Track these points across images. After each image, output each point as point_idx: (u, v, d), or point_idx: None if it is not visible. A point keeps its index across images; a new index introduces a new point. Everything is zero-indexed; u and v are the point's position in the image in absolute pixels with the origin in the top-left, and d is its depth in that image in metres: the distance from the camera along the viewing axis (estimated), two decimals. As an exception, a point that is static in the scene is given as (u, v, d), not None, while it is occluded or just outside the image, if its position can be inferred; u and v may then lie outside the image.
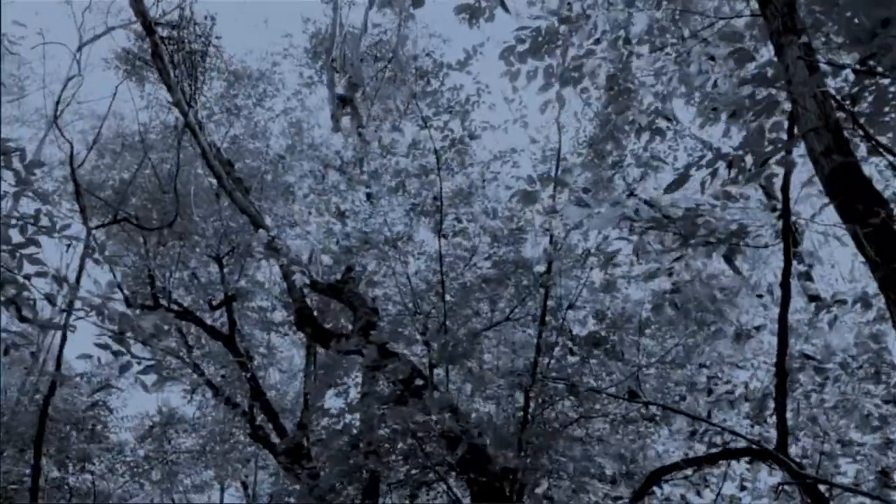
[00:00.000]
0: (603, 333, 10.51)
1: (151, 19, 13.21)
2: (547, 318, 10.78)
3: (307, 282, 11.65)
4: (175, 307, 19.18)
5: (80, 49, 13.33)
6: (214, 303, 19.45)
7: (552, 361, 10.50)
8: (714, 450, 8.37)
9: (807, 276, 10.45)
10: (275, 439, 17.58)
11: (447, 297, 10.75)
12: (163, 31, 14.12)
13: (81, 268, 11.19)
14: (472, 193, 10.23)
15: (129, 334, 5.92)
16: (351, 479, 8.80)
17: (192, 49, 13.79)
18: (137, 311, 18.01)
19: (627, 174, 10.24)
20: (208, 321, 19.57)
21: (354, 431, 9.29)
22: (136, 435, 17.98)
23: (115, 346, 5.88)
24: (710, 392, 8.82)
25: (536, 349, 10.62)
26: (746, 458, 8.34)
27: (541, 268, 10.80)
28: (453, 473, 10.42)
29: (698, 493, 9.09)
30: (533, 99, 10.16)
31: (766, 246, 7.17)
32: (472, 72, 9.78)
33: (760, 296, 8.45)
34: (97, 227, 12.43)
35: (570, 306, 10.78)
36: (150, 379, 6.07)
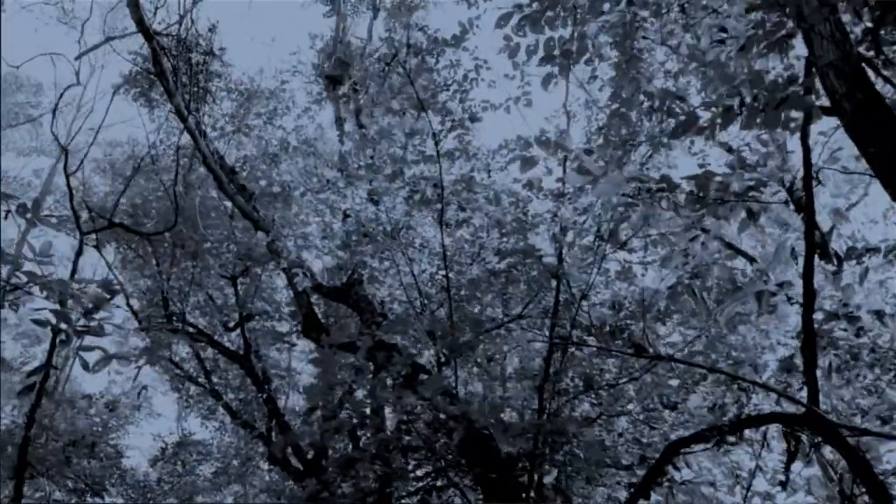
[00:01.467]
0: (619, 324, 9.82)
1: (150, 26, 12.86)
2: (560, 311, 10.10)
3: (309, 284, 11.07)
4: (190, 329, 18.72)
5: (78, 58, 12.97)
6: (230, 324, 19.03)
7: (567, 356, 9.80)
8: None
9: (836, 273, 9.70)
10: (295, 463, 16.94)
11: (454, 294, 10.12)
12: (165, 41, 13.77)
13: (73, 271, 10.66)
14: (474, 178, 9.59)
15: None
16: (357, 484, 8.09)
17: (192, 56, 13.36)
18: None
19: (638, 154, 9.61)
20: (225, 343, 19.14)
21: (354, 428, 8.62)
22: (148, 457, 17.39)
23: (57, 323, 5.26)
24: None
25: (549, 344, 9.92)
26: (779, 437, 7.55)
27: (551, 259, 10.14)
28: (467, 480, 9.72)
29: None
30: (536, 76, 9.46)
31: (785, 202, 6.48)
32: (470, 48, 9.20)
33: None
34: (88, 233, 11.95)
35: (584, 297, 10.08)
36: (92, 356, 5.44)
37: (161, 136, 19.77)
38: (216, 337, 19.20)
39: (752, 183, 6.43)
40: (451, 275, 10.23)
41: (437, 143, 9.41)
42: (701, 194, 6.70)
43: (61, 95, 11.79)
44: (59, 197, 21.67)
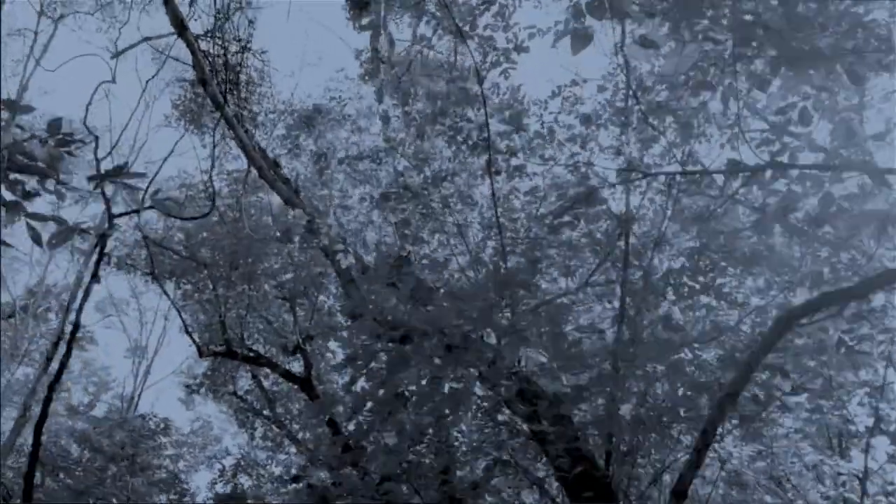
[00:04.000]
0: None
1: (183, 18, 12.13)
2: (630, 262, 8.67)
3: (353, 261, 9.87)
4: (249, 353, 17.78)
5: (114, 57, 12.21)
6: (289, 346, 18.03)
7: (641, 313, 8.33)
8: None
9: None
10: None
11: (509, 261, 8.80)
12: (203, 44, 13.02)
13: (100, 258, 9.71)
14: (524, 112, 8.32)
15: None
16: (402, 432, 6.72)
17: (229, 48, 12.54)
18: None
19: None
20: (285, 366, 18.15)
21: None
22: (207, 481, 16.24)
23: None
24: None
25: (621, 298, 8.49)
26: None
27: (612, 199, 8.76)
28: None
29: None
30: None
31: None
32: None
33: None
34: (120, 216, 11.06)
35: (657, 244, 8.67)
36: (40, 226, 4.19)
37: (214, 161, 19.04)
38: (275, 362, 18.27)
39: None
40: (506, 239, 8.95)
41: (479, 81, 8.20)
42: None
43: (95, 91, 10.99)
44: (118, 234, 21.04)
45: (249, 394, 20.53)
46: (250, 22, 13.32)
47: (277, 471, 17.19)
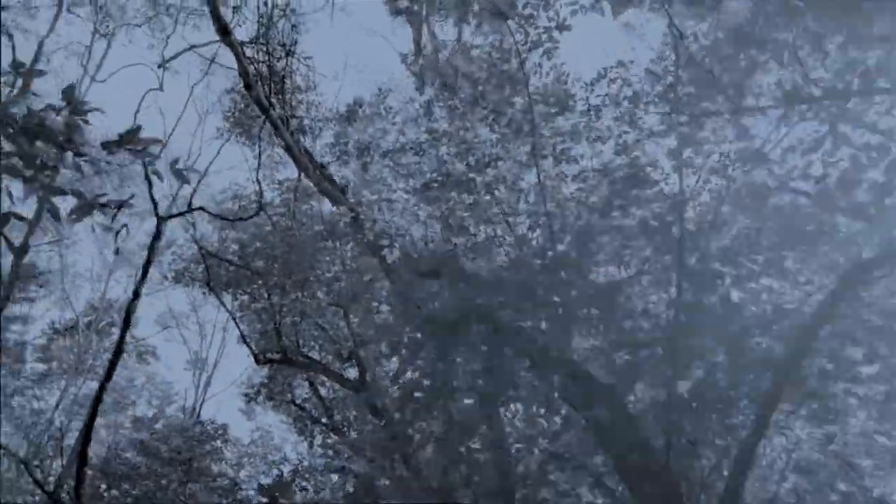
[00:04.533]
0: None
1: (226, 24, 12.12)
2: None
3: (398, 255, 9.66)
4: (305, 360, 17.74)
5: (160, 66, 12.34)
6: (343, 353, 17.94)
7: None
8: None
9: None
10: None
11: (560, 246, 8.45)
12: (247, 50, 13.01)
13: (149, 259, 9.68)
14: (567, 92, 7.99)
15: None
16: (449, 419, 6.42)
17: (273, 53, 12.50)
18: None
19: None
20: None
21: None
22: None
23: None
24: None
25: (678, 281, 8.07)
26: None
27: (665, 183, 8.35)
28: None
29: None
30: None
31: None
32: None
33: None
34: (169, 218, 11.07)
35: (713, 225, 8.23)
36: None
37: (265, 172, 19.08)
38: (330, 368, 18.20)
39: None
40: (554, 226, 8.61)
41: (521, 61, 7.92)
42: None
43: (142, 99, 11.10)
44: (175, 248, 21.24)
45: (307, 402, 20.51)
46: (293, 27, 13.30)
47: (335, 477, 16.96)
